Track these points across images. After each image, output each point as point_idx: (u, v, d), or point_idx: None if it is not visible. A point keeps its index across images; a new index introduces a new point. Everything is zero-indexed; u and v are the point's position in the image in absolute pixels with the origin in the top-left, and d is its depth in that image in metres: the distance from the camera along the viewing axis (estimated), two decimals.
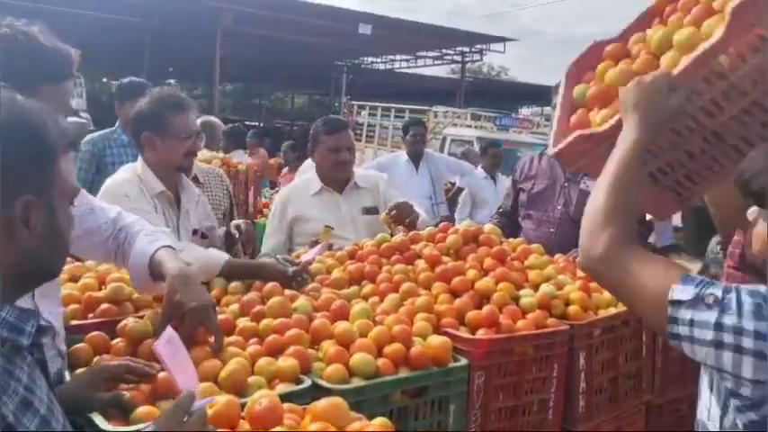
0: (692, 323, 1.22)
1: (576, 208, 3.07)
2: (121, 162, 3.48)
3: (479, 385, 1.76)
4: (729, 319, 1.18)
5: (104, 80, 28.43)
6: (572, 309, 2.02)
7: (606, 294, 2.14)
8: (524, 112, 30.05)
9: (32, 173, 0.92)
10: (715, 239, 2.20)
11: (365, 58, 24.50)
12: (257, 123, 26.27)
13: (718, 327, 1.19)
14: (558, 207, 3.13)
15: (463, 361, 1.71)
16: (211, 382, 1.38)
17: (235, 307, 1.90)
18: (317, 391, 1.47)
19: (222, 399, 1.18)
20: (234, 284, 2.11)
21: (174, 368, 1.13)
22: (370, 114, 14.70)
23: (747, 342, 1.16)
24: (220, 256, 2.21)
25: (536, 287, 2.09)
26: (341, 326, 1.70)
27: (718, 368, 1.21)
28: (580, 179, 3.11)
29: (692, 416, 1.42)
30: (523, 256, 2.30)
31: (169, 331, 1.24)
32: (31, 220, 0.91)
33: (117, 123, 3.77)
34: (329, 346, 1.62)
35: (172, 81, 25.15)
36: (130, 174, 2.40)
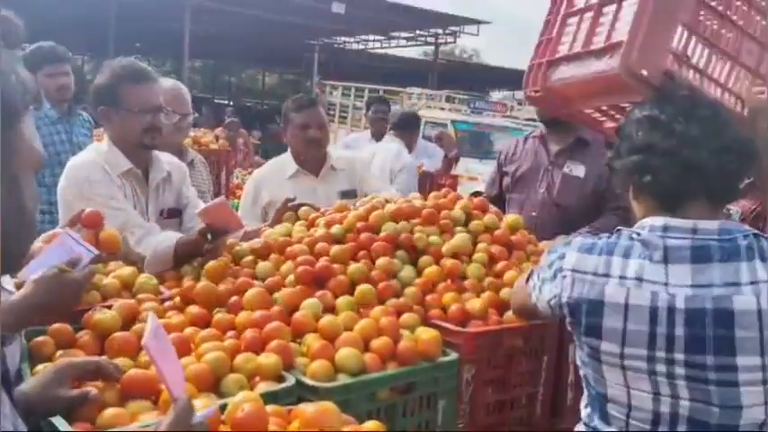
0: (533, 286, 1.48)
1: (558, 191, 3.02)
2: (53, 142, 3.26)
3: (468, 379, 1.69)
4: (539, 266, 1.48)
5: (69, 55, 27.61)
6: None
7: None
8: (496, 95, 30.17)
9: None
10: None
11: (338, 38, 24.17)
12: (227, 102, 25.84)
13: (538, 276, 1.47)
14: (541, 190, 3.07)
15: (453, 355, 1.62)
16: (188, 382, 1.26)
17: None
18: (301, 390, 1.37)
19: (198, 404, 1.07)
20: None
21: (164, 367, 0.99)
22: (343, 95, 14.52)
23: (544, 272, 1.43)
24: (170, 242, 2.07)
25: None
26: (325, 318, 1.60)
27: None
28: (564, 163, 3.05)
29: None
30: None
31: (154, 323, 1.09)
32: None
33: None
34: (313, 341, 1.52)
35: (138, 56, 24.58)
36: (95, 154, 2.26)
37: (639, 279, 1.28)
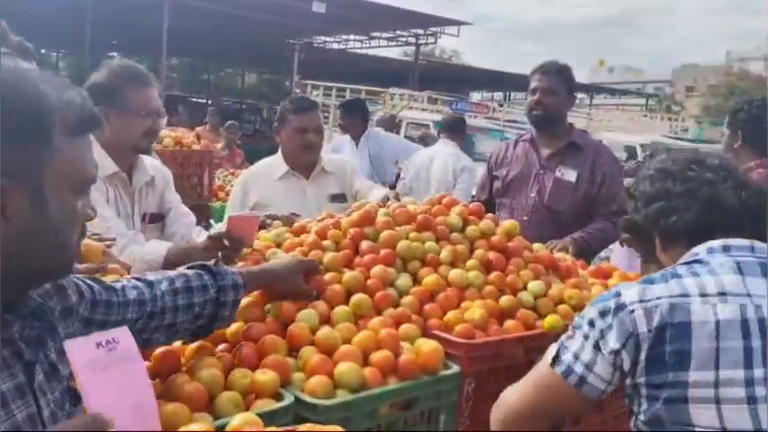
0: (576, 356, 1.32)
1: (549, 195, 2.99)
2: None
3: (469, 392, 1.63)
4: (585, 323, 1.33)
5: (43, 51, 27.16)
6: (562, 308, 1.90)
7: (594, 293, 2.05)
8: (475, 96, 30.29)
9: (12, 153, 0.77)
10: None
11: (318, 38, 24.02)
12: (205, 100, 25.56)
13: (586, 336, 1.32)
14: (532, 195, 3.04)
15: (455, 368, 1.56)
16: (181, 403, 1.19)
17: None
18: (299, 407, 1.30)
19: (197, 429, 1.00)
20: None
21: (90, 385, 0.81)
22: (324, 95, 14.41)
23: (599, 323, 1.30)
24: (159, 252, 1.99)
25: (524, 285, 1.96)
26: (322, 331, 1.52)
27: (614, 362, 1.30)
28: (556, 167, 3.02)
29: None
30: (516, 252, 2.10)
31: (114, 333, 0.91)
32: (7, 207, 0.78)
33: None
34: (310, 355, 1.44)
35: (116, 54, 24.23)
36: None
37: (723, 293, 1.23)
